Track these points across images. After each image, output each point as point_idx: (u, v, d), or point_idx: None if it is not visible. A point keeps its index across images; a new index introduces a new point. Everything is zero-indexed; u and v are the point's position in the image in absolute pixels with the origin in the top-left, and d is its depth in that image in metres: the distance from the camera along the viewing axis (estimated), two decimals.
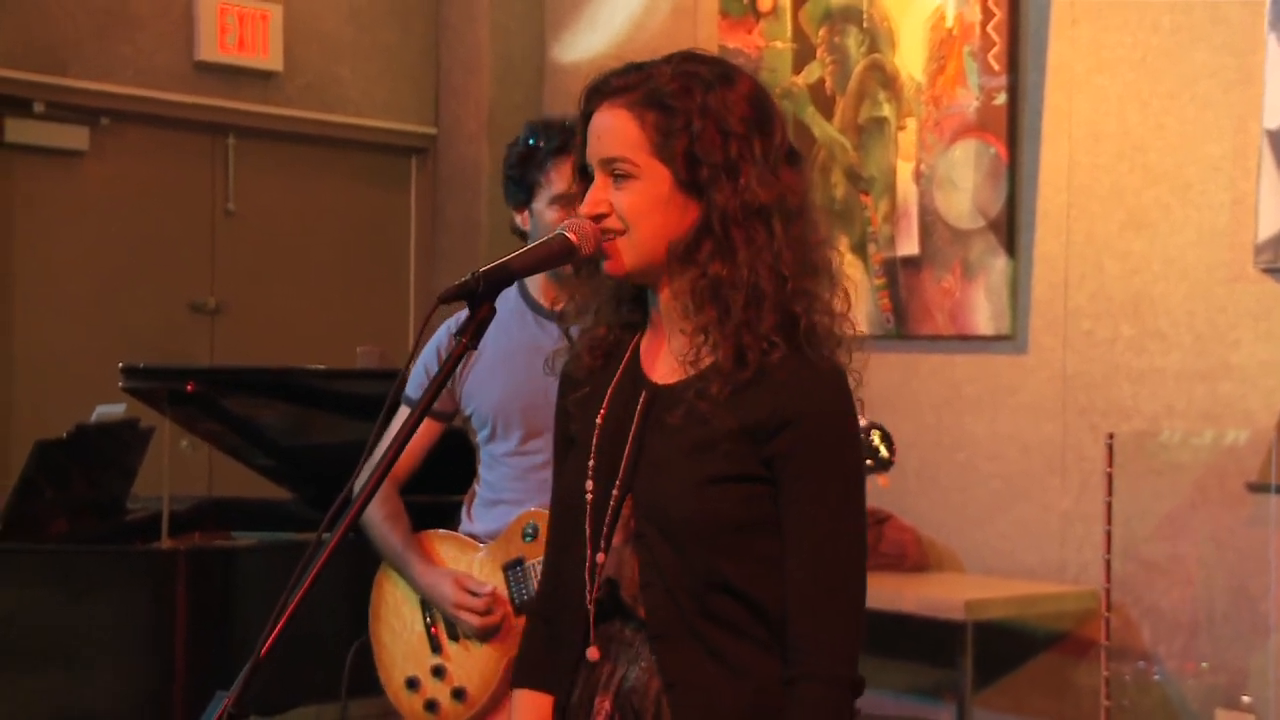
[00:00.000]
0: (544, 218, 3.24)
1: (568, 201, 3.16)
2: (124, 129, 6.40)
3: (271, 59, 6.62)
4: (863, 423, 3.27)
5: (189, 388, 4.55)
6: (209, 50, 6.45)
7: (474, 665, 3.30)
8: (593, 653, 2.06)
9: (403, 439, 1.90)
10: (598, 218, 2.03)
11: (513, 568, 3.26)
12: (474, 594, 3.25)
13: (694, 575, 1.98)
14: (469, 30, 6.96)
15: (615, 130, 2.02)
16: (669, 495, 2.00)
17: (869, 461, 3.30)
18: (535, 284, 3.33)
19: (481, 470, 3.42)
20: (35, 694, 4.17)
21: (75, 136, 6.26)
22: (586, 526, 2.06)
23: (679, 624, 1.99)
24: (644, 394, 2.08)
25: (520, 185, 3.32)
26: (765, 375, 1.99)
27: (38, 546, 4.48)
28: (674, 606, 1.99)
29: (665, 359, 2.09)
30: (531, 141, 3.30)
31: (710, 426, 1.98)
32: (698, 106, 2.00)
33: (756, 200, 2.00)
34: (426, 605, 3.37)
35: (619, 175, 2.02)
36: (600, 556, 2.05)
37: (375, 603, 3.48)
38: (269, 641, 1.78)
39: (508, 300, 3.34)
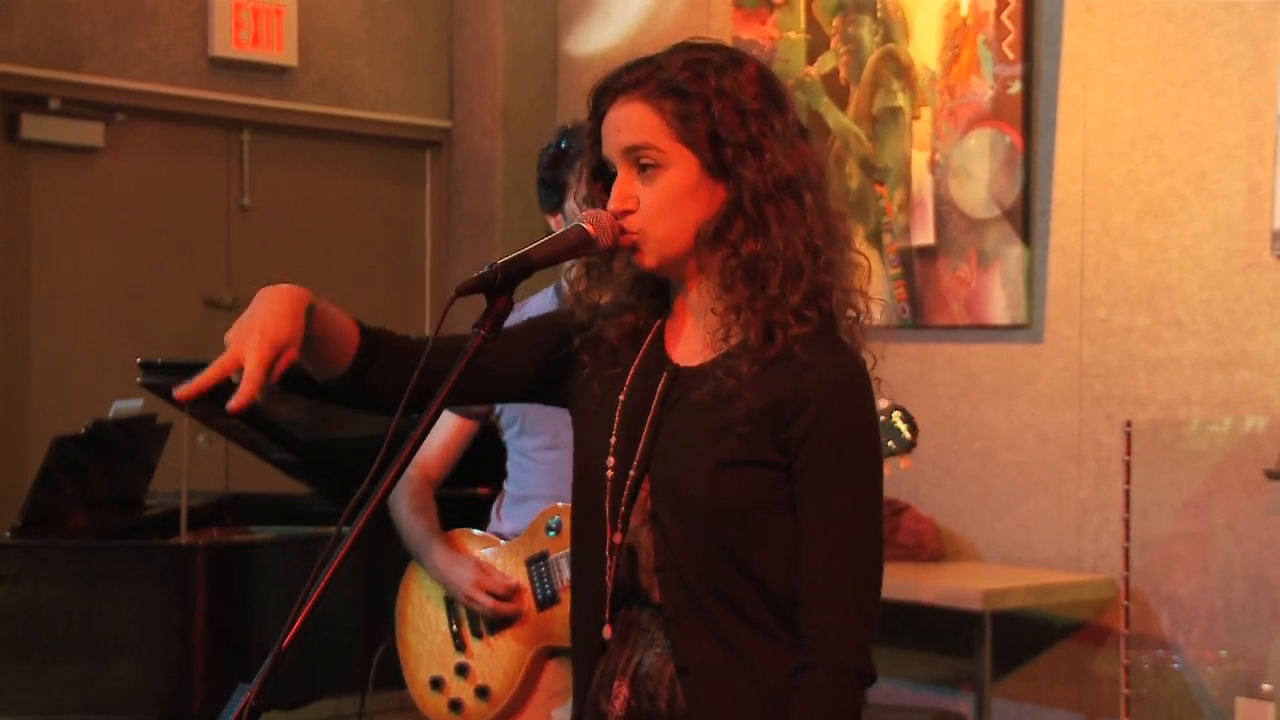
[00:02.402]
0: (576, 218, 3.21)
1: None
2: (139, 125, 6.41)
3: (286, 54, 6.63)
4: (884, 404, 3.25)
5: None
6: (223, 46, 6.46)
7: (497, 663, 3.29)
8: (607, 631, 2.07)
9: (424, 429, 1.90)
10: (625, 213, 2.03)
11: (536, 562, 3.25)
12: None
13: (706, 558, 1.99)
14: (482, 23, 6.97)
15: (636, 121, 2.02)
16: (684, 476, 2.01)
17: (890, 443, 3.29)
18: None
19: (510, 468, 3.41)
20: (57, 687, 4.19)
21: (90, 133, 6.27)
22: (606, 505, 2.06)
23: (692, 607, 1.99)
24: (665, 375, 2.08)
25: (552, 188, 3.30)
26: (790, 354, 1.99)
27: (57, 542, 4.49)
28: (686, 589, 1.99)
29: (689, 341, 2.09)
30: (563, 145, 3.29)
31: (734, 407, 1.98)
32: (713, 89, 2.00)
33: (784, 174, 2.01)
34: (451, 605, 3.36)
35: (645, 166, 2.02)
36: (618, 537, 2.05)
37: (401, 604, 3.47)
38: (291, 633, 1.79)
39: (545, 296, 3.33)
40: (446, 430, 3.39)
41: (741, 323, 2.01)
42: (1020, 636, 5.01)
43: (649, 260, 2.04)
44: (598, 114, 2.08)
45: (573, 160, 3.24)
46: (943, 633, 5.07)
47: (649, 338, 2.13)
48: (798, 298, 2.00)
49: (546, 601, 3.24)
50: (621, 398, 2.10)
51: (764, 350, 1.99)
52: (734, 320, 2.02)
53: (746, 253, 2.00)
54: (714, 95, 2.00)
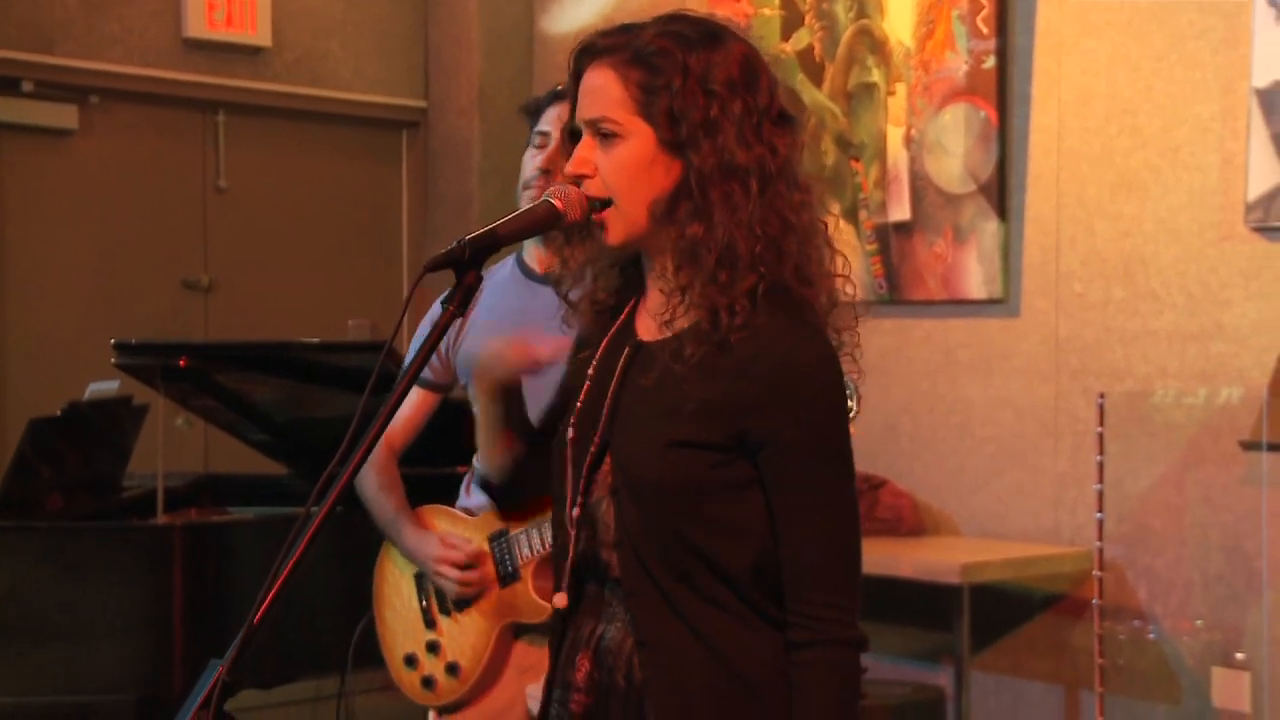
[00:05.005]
0: (525, 165, 3.23)
1: (544, 140, 3.18)
2: (113, 107, 6.39)
3: (260, 35, 6.61)
4: None
5: (181, 363, 4.54)
6: (197, 27, 6.44)
7: (465, 640, 3.29)
8: (560, 599, 2.09)
9: (391, 407, 1.90)
10: (581, 179, 2.03)
11: (497, 539, 3.26)
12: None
13: (660, 536, 1.99)
14: (457, 3, 6.95)
15: (600, 90, 2.02)
16: (636, 455, 2.02)
17: None
18: (529, 250, 3.33)
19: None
20: (36, 670, 4.19)
21: (64, 115, 6.25)
22: (568, 477, 2.08)
23: (648, 582, 2.00)
24: (627, 350, 2.09)
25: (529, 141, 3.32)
26: (740, 343, 1.98)
27: (34, 524, 4.48)
28: (644, 565, 2.00)
29: (653, 318, 2.09)
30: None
31: (681, 391, 1.98)
32: (680, 65, 2.00)
33: (734, 160, 1.99)
34: (421, 582, 3.37)
35: (604, 135, 2.02)
36: (575, 510, 2.06)
37: (378, 581, 3.48)
38: (260, 610, 1.79)
39: (504, 267, 3.34)
40: (410, 403, 3.40)
41: (686, 304, 2.01)
42: (999, 609, 5.03)
43: (612, 238, 2.04)
44: (576, 74, 2.08)
45: (543, 104, 3.25)
46: (921, 606, 5.09)
47: (623, 314, 2.14)
48: (742, 285, 1.98)
49: (508, 578, 3.24)
50: (590, 372, 2.11)
51: (710, 335, 1.98)
52: (678, 301, 2.01)
53: (690, 235, 1.99)
54: (679, 71, 1.99)
